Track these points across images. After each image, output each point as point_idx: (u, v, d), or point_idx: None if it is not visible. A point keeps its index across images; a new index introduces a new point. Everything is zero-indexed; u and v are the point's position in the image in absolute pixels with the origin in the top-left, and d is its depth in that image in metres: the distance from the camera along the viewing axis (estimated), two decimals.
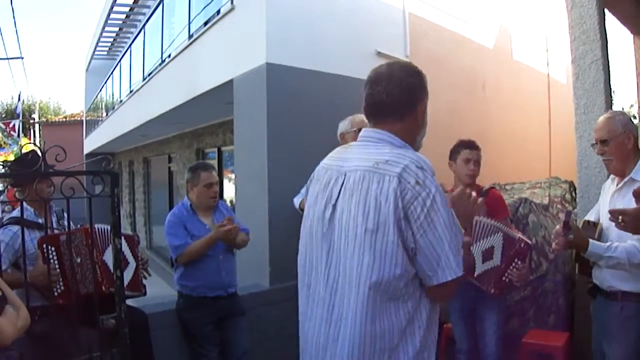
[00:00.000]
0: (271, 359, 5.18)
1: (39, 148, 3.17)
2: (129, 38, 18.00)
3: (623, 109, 10.71)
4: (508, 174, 7.22)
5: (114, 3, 16.07)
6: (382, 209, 1.98)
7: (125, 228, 19.25)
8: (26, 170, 3.54)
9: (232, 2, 7.04)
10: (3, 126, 27.39)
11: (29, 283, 3.23)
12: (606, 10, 4.74)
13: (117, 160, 23.53)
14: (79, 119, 31.58)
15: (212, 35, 7.95)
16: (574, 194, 5.32)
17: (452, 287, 2.07)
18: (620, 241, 3.06)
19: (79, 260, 3.52)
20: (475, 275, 3.87)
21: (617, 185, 3.34)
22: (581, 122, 4.67)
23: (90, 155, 22.30)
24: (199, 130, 12.50)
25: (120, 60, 17.87)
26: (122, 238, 3.85)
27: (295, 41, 5.97)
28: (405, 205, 1.97)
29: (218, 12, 7.86)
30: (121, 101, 16.40)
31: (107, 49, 21.39)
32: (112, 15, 17.11)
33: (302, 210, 2.43)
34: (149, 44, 13.48)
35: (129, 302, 3.64)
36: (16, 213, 3.75)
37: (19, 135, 26.78)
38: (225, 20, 7.33)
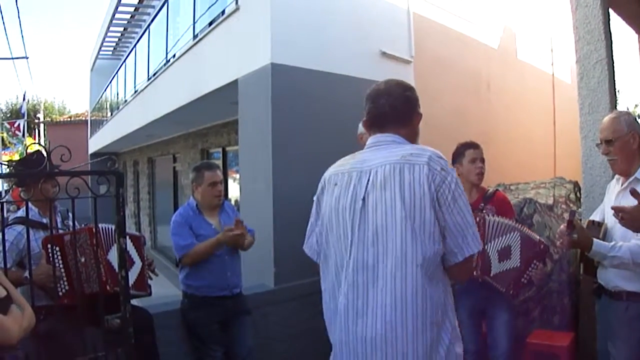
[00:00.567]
0: (275, 359, 5.19)
1: (44, 148, 3.17)
2: (133, 38, 18.03)
3: (628, 109, 10.66)
4: (513, 174, 7.21)
5: (119, 3, 16.11)
6: (417, 193, 2.22)
7: (130, 228, 19.24)
8: (31, 170, 3.55)
9: (236, 3, 7.04)
10: (8, 126, 27.47)
11: (33, 282, 3.25)
12: (611, 10, 4.73)
13: (121, 160, 23.57)
14: (83, 118, 31.61)
15: (217, 36, 7.96)
16: (578, 194, 5.31)
17: (472, 263, 2.39)
18: (624, 241, 3.06)
19: (83, 260, 3.52)
20: (492, 274, 3.85)
21: (621, 185, 3.33)
22: (586, 122, 4.66)
23: (95, 155, 22.35)
24: (204, 130, 12.50)
25: (125, 60, 17.91)
26: (128, 238, 3.87)
27: (300, 41, 5.98)
28: (436, 188, 2.22)
29: (223, 12, 7.87)
30: (126, 101, 16.43)
31: (112, 48, 21.43)
32: (117, 15, 17.16)
33: None
34: (153, 44, 13.49)
35: (133, 301, 3.64)
36: (21, 213, 3.76)
37: (23, 135, 26.83)
38: (230, 20, 7.34)
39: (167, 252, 14.95)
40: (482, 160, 4.23)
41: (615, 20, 4.77)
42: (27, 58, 22.62)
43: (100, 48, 21.34)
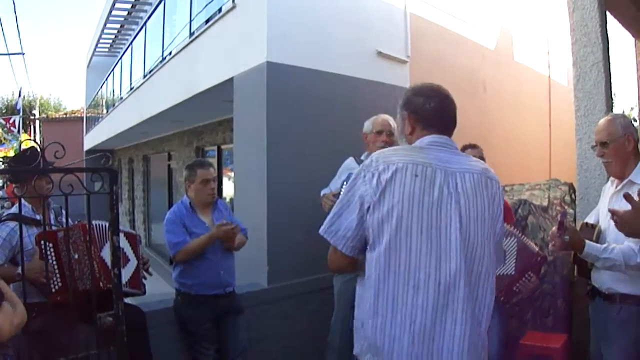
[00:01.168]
0: (269, 358, 5.19)
1: (38, 145, 3.16)
2: (130, 35, 17.99)
3: (623, 112, 10.70)
4: (507, 176, 7.21)
5: (116, 0, 16.07)
6: (497, 209, 2.37)
7: (124, 225, 19.21)
8: (25, 166, 3.53)
9: (233, 1, 7.02)
10: (3, 122, 27.41)
11: (26, 279, 3.23)
12: (608, 13, 4.74)
13: (117, 158, 23.54)
14: (79, 115, 31.56)
15: (213, 33, 7.94)
16: (573, 196, 5.31)
17: None
18: (617, 243, 3.06)
19: (76, 256, 3.51)
20: None
21: (616, 187, 3.34)
22: (581, 124, 4.67)
23: (90, 152, 22.32)
24: (199, 128, 12.49)
25: (121, 57, 17.88)
26: (123, 235, 3.87)
27: (296, 40, 5.97)
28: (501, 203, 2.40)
29: (219, 10, 7.85)
30: (122, 98, 16.40)
31: (108, 45, 21.38)
32: (113, 12, 17.11)
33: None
34: (150, 42, 13.46)
35: (126, 299, 3.63)
36: (14, 209, 3.75)
37: (19, 131, 26.81)
38: (226, 18, 7.32)
39: (161, 250, 14.93)
40: (481, 159, 4.23)
41: (612, 24, 4.79)
42: (23, 54, 22.67)
43: (96, 45, 21.28)
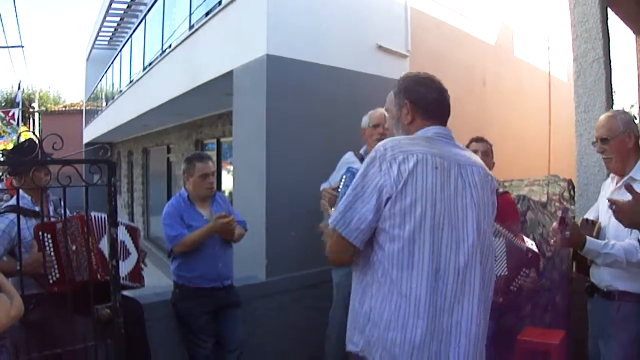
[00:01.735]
0: (266, 351, 5.19)
1: (36, 136, 3.15)
2: (130, 28, 17.97)
3: (623, 109, 10.71)
4: (506, 171, 7.20)
5: None
6: (494, 200, 2.43)
7: (123, 218, 19.15)
8: (22, 158, 3.52)
9: None
10: (2, 115, 27.34)
11: (24, 271, 3.22)
12: (609, 9, 4.73)
13: (116, 150, 23.55)
14: (78, 108, 31.54)
15: (212, 26, 7.93)
16: (572, 192, 5.30)
17: None
18: (618, 240, 3.05)
19: (74, 247, 3.50)
20: None
21: (616, 184, 3.33)
22: (581, 120, 4.66)
23: (90, 144, 22.33)
24: (198, 121, 12.48)
25: (120, 50, 17.87)
26: (125, 229, 3.88)
27: (296, 33, 5.95)
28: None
29: (219, 2, 7.84)
30: (121, 91, 16.40)
31: (108, 38, 21.37)
32: (113, 5, 17.11)
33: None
34: (149, 34, 13.45)
35: (124, 292, 3.63)
36: (13, 201, 3.74)
37: (18, 124, 26.73)
38: (226, 11, 7.31)
39: (160, 243, 14.94)
40: (485, 154, 4.20)
41: (613, 20, 4.77)
42: (22, 47, 22.58)
43: (96, 38, 21.27)
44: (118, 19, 18.57)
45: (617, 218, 2.86)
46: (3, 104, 39.12)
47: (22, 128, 27.31)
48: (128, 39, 16.63)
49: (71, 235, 3.50)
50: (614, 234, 3.14)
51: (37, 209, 3.73)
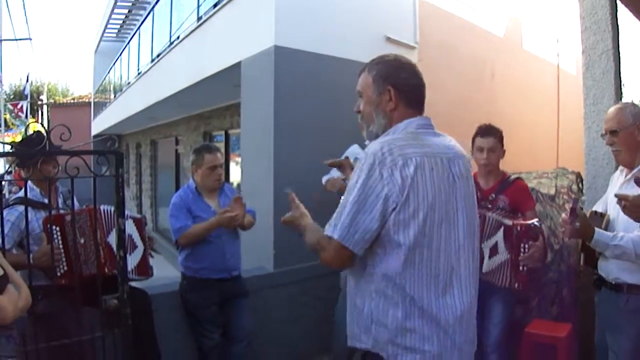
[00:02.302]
0: (275, 342, 5.21)
1: (44, 128, 3.16)
2: (138, 20, 17.96)
3: (633, 101, 10.63)
4: (515, 163, 7.18)
5: None
6: (474, 188, 2.44)
7: (132, 210, 19.27)
8: (30, 149, 3.53)
9: None
10: (11, 107, 27.44)
11: (32, 264, 3.23)
12: (618, 1, 4.69)
13: (124, 142, 23.59)
14: (87, 100, 31.61)
15: (220, 17, 7.92)
16: (580, 185, 5.28)
17: None
18: (627, 232, 3.03)
19: (82, 240, 3.51)
20: (483, 271, 3.81)
21: (625, 176, 3.31)
22: (590, 113, 4.64)
23: (98, 137, 22.35)
24: (207, 113, 12.48)
25: (129, 42, 17.86)
26: (131, 221, 3.87)
27: (304, 25, 5.94)
28: None
29: None
30: (129, 83, 16.40)
31: (116, 30, 21.41)
32: None
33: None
34: (157, 26, 13.44)
35: (132, 283, 3.64)
36: (22, 193, 3.75)
37: (27, 117, 26.83)
38: (234, 2, 7.30)
39: (168, 234, 14.91)
40: (490, 151, 4.12)
41: (623, 12, 4.73)
42: (30, 39, 22.62)
43: (104, 30, 21.31)
44: (126, 11, 18.60)
45: (626, 213, 2.84)
46: (12, 97, 39.21)
47: (31, 120, 27.38)
48: (136, 31, 16.60)
49: (80, 228, 3.51)
50: (623, 227, 3.12)
51: (46, 201, 3.74)
